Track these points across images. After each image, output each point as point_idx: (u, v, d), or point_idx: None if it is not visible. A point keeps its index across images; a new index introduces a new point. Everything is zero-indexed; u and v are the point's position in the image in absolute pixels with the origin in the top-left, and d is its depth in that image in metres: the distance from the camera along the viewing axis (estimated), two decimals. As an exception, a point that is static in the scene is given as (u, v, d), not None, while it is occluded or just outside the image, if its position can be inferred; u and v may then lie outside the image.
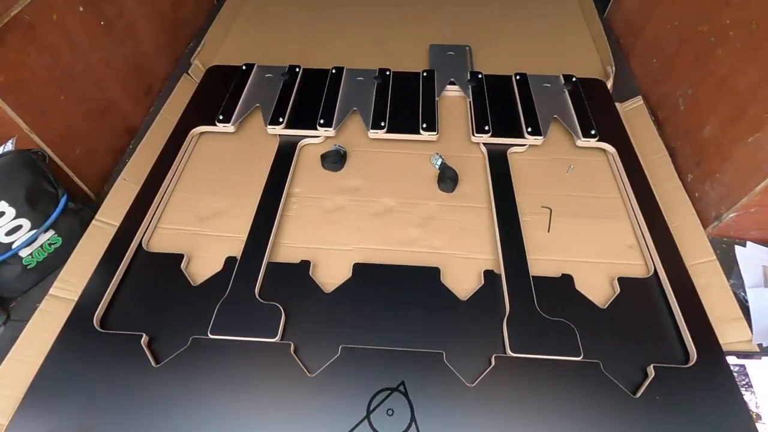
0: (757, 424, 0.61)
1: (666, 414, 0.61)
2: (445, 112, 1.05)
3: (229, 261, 0.78)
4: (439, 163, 0.93)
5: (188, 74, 1.15)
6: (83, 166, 0.92)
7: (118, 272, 0.75)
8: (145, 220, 0.83)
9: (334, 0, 1.42)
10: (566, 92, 1.05)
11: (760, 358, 0.67)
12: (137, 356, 0.66)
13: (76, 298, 0.73)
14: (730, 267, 0.82)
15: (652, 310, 0.73)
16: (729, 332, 0.70)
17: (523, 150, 0.97)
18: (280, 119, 0.98)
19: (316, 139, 0.99)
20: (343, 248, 0.82)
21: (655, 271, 0.77)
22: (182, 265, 0.78)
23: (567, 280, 0.76)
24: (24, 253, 0.77)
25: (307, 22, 1.34)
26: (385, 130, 0.97)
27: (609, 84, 1.11)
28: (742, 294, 0.78)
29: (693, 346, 0.66)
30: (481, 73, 1.10)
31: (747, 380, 0.66)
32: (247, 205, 0.86)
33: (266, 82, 1.08)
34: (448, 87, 1.09)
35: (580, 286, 0.76)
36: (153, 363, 0.66)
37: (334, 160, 0.93)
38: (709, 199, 0.88)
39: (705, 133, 0.91)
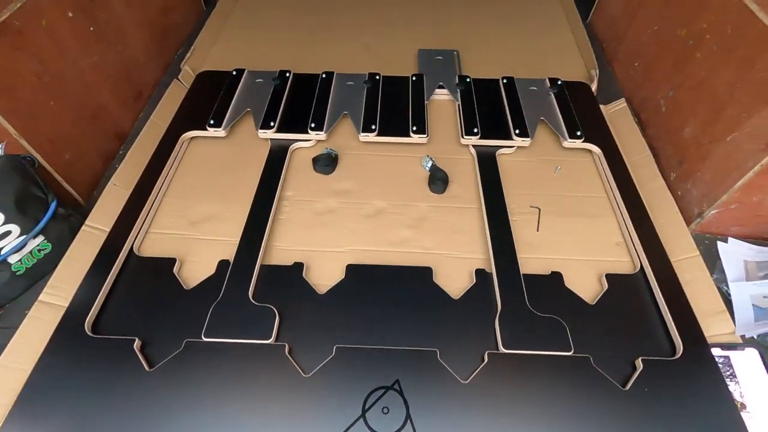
0: (742, 413, 0.63)
1: (655, 405, 0.62)
2: (435, 116, 1.07)
3: (222, 264, 0.78)
4: (429, 165, 0.94)
5: (178, 80, 1.15)
6: (73, 171, 0.92)
7: (109, 277, 0.75)
8: (136, 224, 0.82)
9: (323, 6, 1.43)
10: (552, 95, 1.07)
11: (744, 350, 0.69)
12: (130, 361, 0.66)
13: (67, 304, 0.72)
14: (713, 262, 0.85)
15: (639, 305, 0.75)
16: (713, 325, 0.72)
17: (511, 151, 0.99)
18: (271, 123, 0.99)
19: (308, 143, 0.99)
20: (336, 250, 0.82)
21: (642, 267, 0.79)
22: (174, 269, 0.78)
23: (556, 277, 0.78)
24: (13, 259, 0.76)
25: (295, 27, 1.35)
26: (375, 133, 0.98)
27: (593, 87, 1.14)
28: (725, 288, 0.80)
29: (679, 339, 0.68)
30: (469, 77, 1.12)
31: (731, 371, 0.67)
32: (239, 209, 0.86)
33: (257, 86, 1.09)
34: (437, 91, 1.10)
35: (570, 283, 0.77)
36: (146, 367, 0.65)
37: (326, 163, 0.94)
38: (692, 196, 0.91)
39: (685, 133, 0.94)
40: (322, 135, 0.98)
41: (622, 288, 0.76)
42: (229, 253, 0.80)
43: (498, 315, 0.71)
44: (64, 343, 0.68)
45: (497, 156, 0.97)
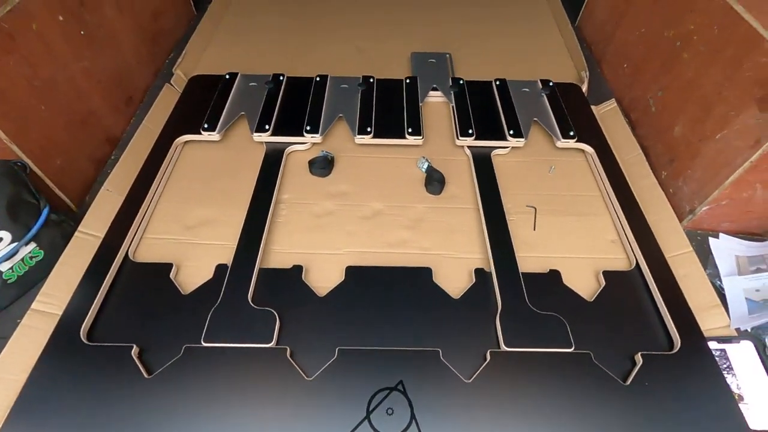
0: (740, 404, 0.64)
1: (655, 399, 0.63)
2: (429, 118, 1.07)
3: (220, 268, 0.77)
4: (425, 166, 0.95)
5: (170, 84, 1.14)
6: (64, 176, 0.90)
7: (104, 283, 0.73)
8: (131, 230, 0.81)
9: (314, 10, 1.43)
10: (544, 96, 1.09)
11: (739, 342, 0.70)
12: (128, 368, 0.65)
13: (61, 312, 0.70)
14: (705, 257, 0.86)
15: (636, 301, 0.76)
16: (708, 319, 0.74)
17: (506, 152, 1.00)
18: (266, 127, 0.98)
19: (303, 146, 0.99)
20: (335, 252, 0.82)
21: (637, 263, 0.80)
22: (171, 274, 0.77)
23: (555, 275, 0.78)
24: (4, 267, 0.74)
25: (286, 31, 1.35)
26: (371, 135, 0.98)
27: (584, 88, 1.16)
28: (718, 283, 0.82)
29: (677, 334, 0.69)
30: (463, 79, 1.13)
31: (728, 364, 0.69)
32: (236, 213, 0.85)
33: (250, 90, 1.08)
34: (431, 93, 1.11)
35: (568, 280, 0.78)
36: (145, 374, 0.64)
37: (322, 165, 0.94)
38: (683, 194, 0.92)
39: (675, 132, 0.96)
40: (317, 138, 0.98)
41: (618, 285, 0.77)
42: (227, 257, 0.79)
43: (499, 313, 0.72)
44: (59, 351, 0.66)
45: (492, 156, 0.97)
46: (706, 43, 0.89)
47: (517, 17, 1.43)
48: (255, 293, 0.74)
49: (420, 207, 0.90)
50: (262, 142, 0.98)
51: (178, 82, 1.15)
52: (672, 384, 0.64)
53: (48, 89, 0.87)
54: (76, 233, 0.81)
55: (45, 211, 0.78)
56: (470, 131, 0.99)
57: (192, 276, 0.77)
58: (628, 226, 0.84)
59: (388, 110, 1.04)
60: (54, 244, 0.80)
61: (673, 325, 0.70)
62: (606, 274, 0.78)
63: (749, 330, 0.74)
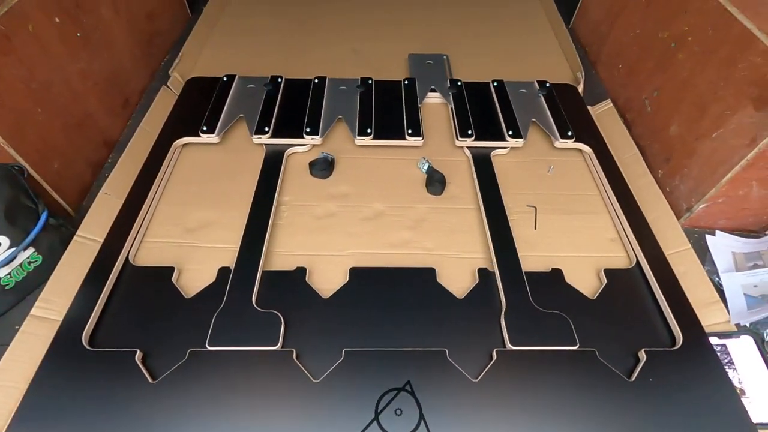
0: (742, 398, 0.65)
1: (660, 394, 0.64)
2: (428, 119, 1.08)
3: (223, 271, 0.77)
4: (426, 167, 0.95)
5: (167, 86, 1.13)
6: (61, 180, 0.89)
7: (105, 288, 0.72)
8: (131, 233, 0.80)
9: (311, 11, 1.43)
10: (541, 97, 1.10)
11: (739, 337, 0.72)
12: (132, 373, 0.64)
13: (61, 318, 0.69)
14: (703, 254, 0.88)
15: (637, 298, 0.77)
16: (709, 315, 0.75)
17: (505, 152, 1.00)
18: (266, 128, 0.98)
19: (303, 148, 0.99)
20: (337, 254, 0.82)
21: (638, 261, 0.81)
22: (173, 277, 0.76)
23: (557, 274, 0.79)
24: (2, 272, 0.73)
25: (283, 33, 1.35)
26: (371, 136, 0.98)
27: (580, 89, 1.17)
28: (717, 279, 0.83)
29: (678, 330, 0.70)
30: (460, 81, 1.13)
31: (729, 358, 0.70)
32: (237, 216, 0.85)
33: (249, 92, 1.08)
34: (430, 94, 1.12)
35: (570, 279, 0.79)
36: (149, 379, 0.63)
37: (323, 167, 0.94)
38: (680, 192, 0.94)
39: (671, 131, 0.97)
40: (317, 139, 0.98)
41: (620, 282, 0.78)
42: (229, 260, 0.78)
43: (503, 312, 0.72)
44: (60, 357, 0.65)
45: (492, 157, 0.98)
46: (701, 44, 0.90)
47: (512, 19, 1.44)
48: (259, 296, 0.73)
49: (421, 207, 0.90)
50: (261, 144, 0.98)
51: (175, 85, 1.14)
52: (676, 379, 0.65)
53: (44, 91, 0.85)
54: (74, 237, 0.80)
55: (44, 216, 0.77)
56: (470, 132, 1.00)
57: (194, 279, 0.77)
58: (627, 224, 0.85)
59: (388, 111, 1.04)
60: (53, 248, 0.79)
61: (674, 322, 0.71)
62: (607, 272, 0.79)
63: (748, 325, 0.75)
